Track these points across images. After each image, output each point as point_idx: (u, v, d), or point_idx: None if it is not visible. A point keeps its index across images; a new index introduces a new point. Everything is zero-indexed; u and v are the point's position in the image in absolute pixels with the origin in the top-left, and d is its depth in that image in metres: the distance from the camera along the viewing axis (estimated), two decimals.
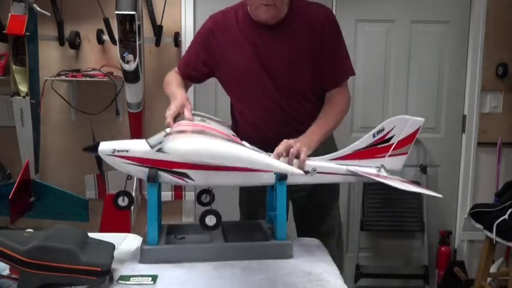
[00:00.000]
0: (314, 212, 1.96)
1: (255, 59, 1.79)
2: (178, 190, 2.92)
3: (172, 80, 1.87)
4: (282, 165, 1.22)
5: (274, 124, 1.82)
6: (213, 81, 3.15)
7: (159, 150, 1.36)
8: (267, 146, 1.60)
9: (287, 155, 1.50)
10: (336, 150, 1.87)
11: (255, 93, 1.83)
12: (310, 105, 1.84)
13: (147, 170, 1.40)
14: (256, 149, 1.47)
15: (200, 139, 1.17)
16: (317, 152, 1.63)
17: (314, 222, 1.96)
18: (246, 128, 1.91)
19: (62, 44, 2.88)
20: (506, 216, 2.53)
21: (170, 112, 1.56)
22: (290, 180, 1.48)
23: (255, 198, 1.87)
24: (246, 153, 1.16)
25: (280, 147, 1.51)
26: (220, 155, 1.13)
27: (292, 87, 1.80)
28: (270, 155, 1.50)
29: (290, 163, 1.49)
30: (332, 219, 2.01)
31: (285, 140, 1.54)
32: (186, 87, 1.91)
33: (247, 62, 1.80)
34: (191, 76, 1.94)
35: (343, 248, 2.13)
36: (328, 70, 1.81)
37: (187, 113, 1.56)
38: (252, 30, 1.81)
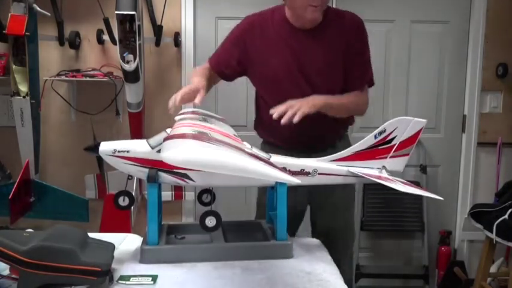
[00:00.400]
0: (333, 213, 2.01)
1: (293, 60, 1.85)
2: (178, 190, 2.92)
3: (198, 71, 1.93)
4: (278, 174, 1.22)
5: (305, 122, 1.85)
6: None
7: (160, 151, 1.36)
8: (296, 142, 1.83)
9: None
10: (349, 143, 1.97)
11: (289, 93, 1.86)
12: None
13: (147, 170, 1.40)
14: (256, 151, 1.47)
15: (197, 147, 1.17)
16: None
17: (332, 224, 2.01)
18: (276, 124, 1.93)
19: (62, 44, 2.88)
20: (506, 216, 2.53)
21: (181, 91, 1.61)
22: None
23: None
24: (243, 162, 1.16)
25: (283, 107, 1.62)
26: (217, 164, 1.13)
27: (326, 87, 1.85)
28: (270, 156, 1.50)
29: (290, 113, 1.60)
30: (348, 223, 2.06)
31: (288, 101, 1.65)
32: (212, 81, 1.97)
33: (285, 63, 1.86)
34: (223, 73, 2.00)
35: (352, 257, 2.22)
36: (352, 74, 1.89)
37: (197, 100, 1.62)
38: (289, 33, 1.86)
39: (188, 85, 1.67)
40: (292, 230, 1.98)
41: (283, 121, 1.61)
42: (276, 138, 1.96)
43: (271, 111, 1.63)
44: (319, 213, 2.02)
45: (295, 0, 1.78)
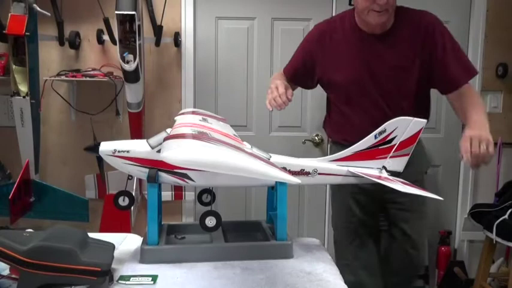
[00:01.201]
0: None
1: (362, 66, 1.85)
2: (178, 190, 2.92)
3: (278, 76, 2.03)
4: (279, 174, 1.22)
5: (373, 125, 1.79)
6: (212, 81, 3.16)
7: (160, 151, 1.36)
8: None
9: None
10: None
11: (358, 98, 1.89)
12: (409, 108, 1.84)
13: (147, 170, 1.40)
14: (256, 151, 1.47)
15: (197, 147, 1.17)
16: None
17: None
18: (345, 127, 1.98)
19: (62, 44, 2.88)
20: (506, 216, 2.53)
21: (278, 93, 1.75)
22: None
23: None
24: (244, 162, 1.17)
25: (467, 144, 1.52)
26: (217, 164, 1.13)
27: (396, 92, 1.84)
28: (270, 156, 1.50)
29: (481, 161, 1.52)
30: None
31: (468, 136, 1.54)
32: (291, 86, 2.02)
33: (354, 70, 1.86)
34: (298, 82, 2.08)
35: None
36: (451, 71, 1.81)
37: (289, 94, 1.77)
38: (358, 39, 1.86)
39: (278, 86, 1.76)
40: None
41: (470, 166, 1.55)
42: (344, 139, 1.96)
43: (463, 158, 1.54)
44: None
45: (357, 4, 1.78)
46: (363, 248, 2.05)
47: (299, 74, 2.04)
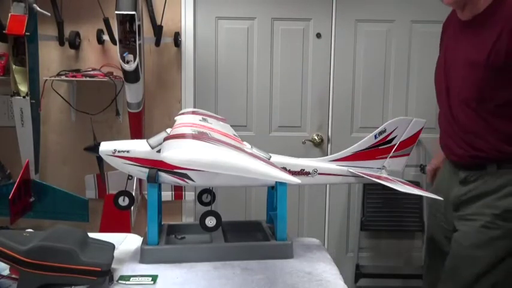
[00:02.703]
0: None
1: (442, 59, 1.69)
2: (178, 190, 2.92)
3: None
4: (279, 174, 1.22)
5: (449, 134, 1.63)
6: (212, 81, 3.16)
7: (160, 151, 1.36)
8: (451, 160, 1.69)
9: None
10: None
11: (438, 98, 1.73)
12: (493, 120, 1.52)
13: (147, 170, 1.41)
14: (256, 151, 1.47)
15: (197, 147, 1.17)
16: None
17: None
18: (441, 134, 1.79)
19: (62, 44, 2.88)
20: None
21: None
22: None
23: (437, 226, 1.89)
24: (244, 162, 1.17)
25: None
26: (217, 164, 1.13)
27: (461, 95, 1.55)
28: (270, 156, 1.50)
29: None
30: None
31: None
32: None
33: (438, 63, 1.72)
34: None
35: None
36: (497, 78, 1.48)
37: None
38: (452, 28, 1.65)
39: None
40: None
41: None
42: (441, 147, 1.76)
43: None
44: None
45: None
46: None
47: None
